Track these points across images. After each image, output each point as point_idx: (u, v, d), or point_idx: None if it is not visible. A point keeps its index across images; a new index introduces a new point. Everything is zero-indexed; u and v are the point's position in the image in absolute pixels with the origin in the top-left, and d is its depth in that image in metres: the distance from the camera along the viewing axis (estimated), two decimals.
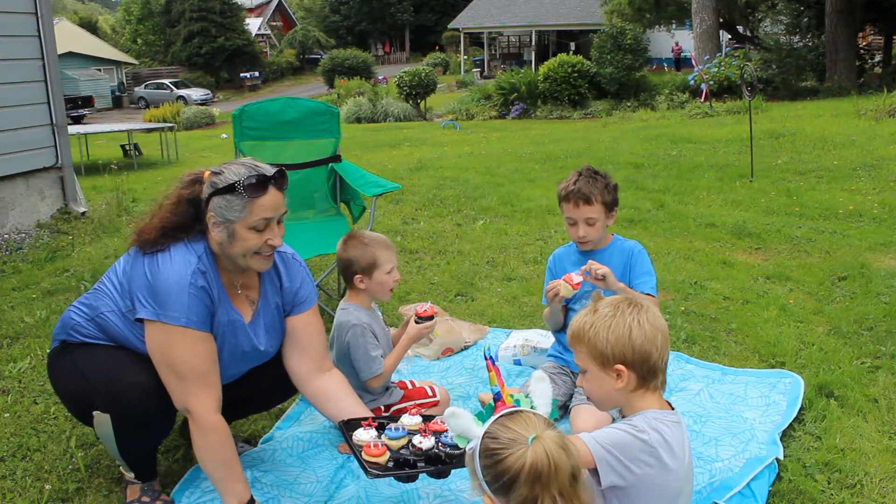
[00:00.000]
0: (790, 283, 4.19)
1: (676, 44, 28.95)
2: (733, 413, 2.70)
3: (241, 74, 42.64)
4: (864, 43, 20.39)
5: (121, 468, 2.29)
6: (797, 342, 3.36)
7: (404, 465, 1.98)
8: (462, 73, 35.42)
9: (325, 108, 4.12)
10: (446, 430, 2.01)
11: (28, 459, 2.53)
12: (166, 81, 37.47)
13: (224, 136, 18.50)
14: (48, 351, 2.31)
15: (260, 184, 2.04)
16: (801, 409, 2.71)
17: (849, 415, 2.68)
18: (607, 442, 1.65)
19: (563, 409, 2.74)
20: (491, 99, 20.98)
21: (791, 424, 2.62)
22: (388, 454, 1.99)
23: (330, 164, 4.12)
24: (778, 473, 2.33)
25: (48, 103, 5.89)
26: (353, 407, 2.27)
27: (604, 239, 2.79)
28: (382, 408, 2.68)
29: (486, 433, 1.53)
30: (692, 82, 17.03)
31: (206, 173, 2.09)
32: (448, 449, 1.99)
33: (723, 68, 16.46)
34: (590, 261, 2.60)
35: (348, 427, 2.12)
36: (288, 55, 47.33)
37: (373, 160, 10.00)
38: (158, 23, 46.03)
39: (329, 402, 2.29)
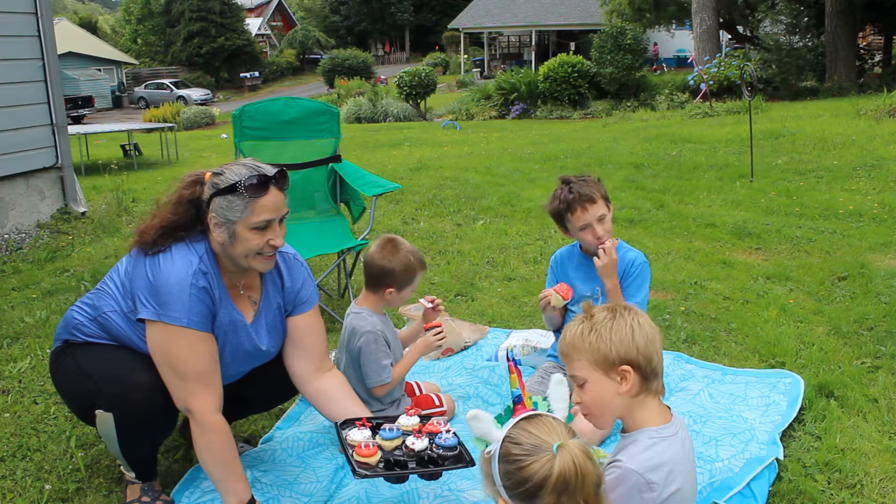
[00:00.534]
0: (790, 283, 4.19)
1: (654, 44, 29.25)
2: (733, 413, 2.70)
3: (241, 74, 42.61)
4: (864, 43, 20.39)
5: (121, 468, 2.29)
6: (797, 342, 3.36)
7: (395, 466, 1.98)
8: (462, 73, 35.39)
9: (325, 108, 4.12)
10: (441, 432, 2.01)
11: (28, 459, 2.53)
12: (166, 81, 37.45)
13: (224, 136, 18.50)
14: (50, 350, 2.32)
15: (261, 184, 2.05)
16: (801, 409, 2.71)
17: (849, 415, 2.68)
18: None
19: None
20: (491, 99, 20.97)
21: (791, 424, 2.62)
22: (379, 454, 1.99)
23: (330, 164, 4.13)
24: (778, 473, 2.33)
25: (48, 103, 5.89)
26: (353, 408, 2.28)
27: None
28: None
29: (506, 437, 1.49)
30: (692, 82, 17.03)
31: (207, 174, 2.10)
32: (441, 451, 1.98)
33: (723, 68, 16.46)
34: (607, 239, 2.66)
35: (344, 427, 2.13)
36: (288, 55, 47.30)
37: (373, 160, 10.00)
38: (158, 23, 46.01)
39: (329, 402, 2.30)
